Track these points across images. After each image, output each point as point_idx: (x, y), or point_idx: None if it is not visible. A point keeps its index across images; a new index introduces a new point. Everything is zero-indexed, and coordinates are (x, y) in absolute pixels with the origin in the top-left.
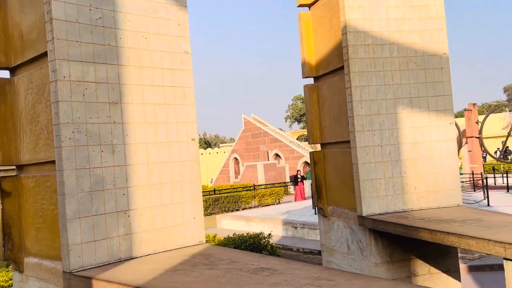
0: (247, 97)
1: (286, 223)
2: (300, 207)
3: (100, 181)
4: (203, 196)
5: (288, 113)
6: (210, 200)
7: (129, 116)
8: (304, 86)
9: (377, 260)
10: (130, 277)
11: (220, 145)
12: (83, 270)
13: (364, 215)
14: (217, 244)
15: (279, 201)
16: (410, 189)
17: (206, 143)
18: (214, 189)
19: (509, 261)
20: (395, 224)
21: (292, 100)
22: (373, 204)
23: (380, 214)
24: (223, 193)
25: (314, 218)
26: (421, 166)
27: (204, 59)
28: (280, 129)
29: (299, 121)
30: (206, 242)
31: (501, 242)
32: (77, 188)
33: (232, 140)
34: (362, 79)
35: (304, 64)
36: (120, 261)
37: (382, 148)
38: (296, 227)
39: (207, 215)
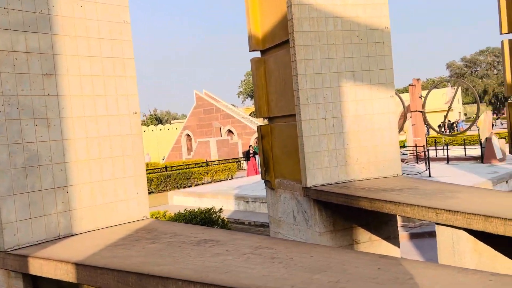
0: (199, 73)
1: (238, 197)
2: (252, 182)
3: (35, 157)
4: (154, 173)
5: (241, 89)
6: (161, 177)
7: (65, 89)
8: (251, 59)
9: (321, 229)
10: (69, 253)
11: (172, 121)
12: (19, 248)
13: (308, 186)
14: (168, 220)
15: (232, 177)
16: (353, 160)
17: (157, 120)
18: (165, 166)
19: (440, 226)
20: (338, 194)
21: (245, 75)
22: (317, 175)
23: (324, 185)
24: (175, 169)
25: (265, 192)
26: (363, 138)
27: (156, 33)
28: (233, 105)
29: (251, 97)
30: (154, 218)
31: (433, 208)
32: (9, 164)
33: (184, 116)
34: (306, 52)
35: (250, 37)
36: (60, 238)
37: (326, 121)
38: (248, 201)
39: (159, 192)
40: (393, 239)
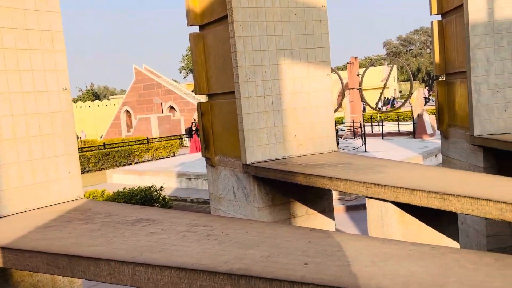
0: (138, 47)
1: (180, 175)
2: (195, 159)
3: None
4: (92, 151)
5: (183, 64)
6: (100, 155)
7: None
8: (189, 35)
9: (260, 204)
10: None
11: (110, 97)
12: None
13: (248, 163)
14: (106, 200)
15: (174, 154)
16: (291, 137)
17: (94, 95)
18: (104, 143)
19: (370, 199)
20: (275, 170)
21: (187, 50)
22: (256, 152)
23: (263, 161)
24: (114, 147)
25: None
26: (300, 115)
27: (94, 4)
28: (175, 81)
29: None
30: (90, 198)
31: (364, 183)
32: None
33: (123, 91)
34: (245, 29)
35: (188, 12)
36: None
37: (265, 99)
38: (190, 179)
39: (97, 171)
40: (328, 212)
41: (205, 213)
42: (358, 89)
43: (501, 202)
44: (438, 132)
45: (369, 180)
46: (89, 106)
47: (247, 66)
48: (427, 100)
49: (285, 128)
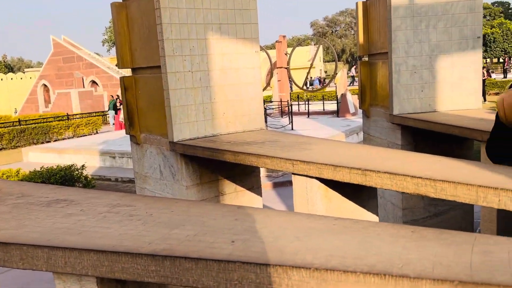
0: (58, 18)
1: (103, 153)
2: (120, 136)
3: None
4: (6, 127)
5: (106, 37)
6: (14, 132)
7: None
8: (111, 4)
9: (188, 183)
10: None
11: (25, 69)
12: None
13: (175, 140)
14: (22, 179)
15: (96, 131)
16: (219, 114)
17: (7, 67)
18: (19, 119)
19: (296, 176)
20: (203, 148)
21: (110, 22)
22: (184, 129)
23: (190, 139)
24: (31, 123)
25: None
26: (229, 92)
27: None
28: (97, 54)
29: None
30: (4, 178)
31: (290, 160)
32: None
33: (40, 64)
34: (171, 0)
35: None
36: None
37: (193, 74)
38: (114, 157)
39: (12, 148)
40: (256, 189)
41: (128, 193)
42: (286, 68)
43: (417, 177)
44: (360, 111)
45: (295, 157)
46: (1, 79)
47: (174, 39)
48: (353, 79)
49: (214, 105)
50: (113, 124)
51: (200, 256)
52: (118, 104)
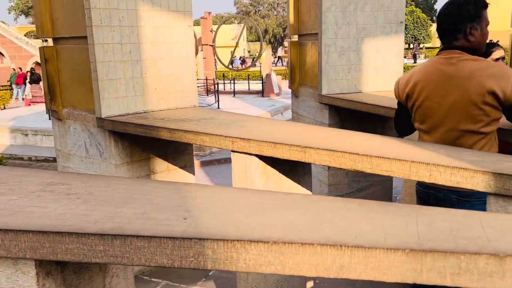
0: None
1: (14, 130)
2: (33, 112)
3: None
4: None
5: (12, 4)
6: None
7: None
8: None
9: (117, 161)
10: None
11: None
12: None
13: (103, 117)
14: None
15: (4, 107)
16: (151, 90)
17: None
18: None
19: (235, 153)
20: (136, 124)
21: None
22: (113, 105)
23: (120, 115)
24: None
25: (49, 124)
26: (161, 67)
27: None
28: (3, 23)
29: (26, 15)
30: None
31: (230, 137)
32: None
33: None
34: None
35: None
36: None
37: (123, 46)
38: (27, 134)
39: None
40: (189, 167)
41: (59, 171)
42: (211, 45)
43: (355, 153)
44: (283, 91)
45: (235, 135)
46: None
47: (102, 8)
48: (280, 59)
49: (145, 80)
50: (23, 99)
51: (154, 234)
52: (28, 78)
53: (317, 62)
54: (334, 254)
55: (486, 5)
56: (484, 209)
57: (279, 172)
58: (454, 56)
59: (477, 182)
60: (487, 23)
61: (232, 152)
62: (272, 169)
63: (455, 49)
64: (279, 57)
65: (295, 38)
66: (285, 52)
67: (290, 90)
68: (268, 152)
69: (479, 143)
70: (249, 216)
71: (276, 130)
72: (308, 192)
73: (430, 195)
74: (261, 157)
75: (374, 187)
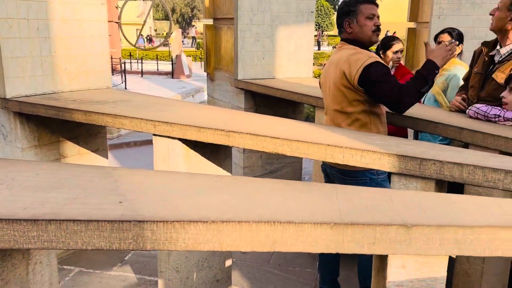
0: None
1: None
2: None
3: None
4: None
5: None
6: None
7: None
8: None
9: (24, 145)
10: None
11: None
12: None
13: (8, 97)
14: None
15: None
16: (60, 69)
17: None
18: None
19: (157, 137)
20: (47, 106)
21: None
22: (18, 85)
23: (27, 96)
24: None
25: None
26: (72, 46)
27: None
28: None
29: None
30: None
31: (152, 120)
32: None
33: None
34: None
35: None
36: None
37: (29, 22)
38: None
39: None
40: (102, 151)
41: None
42: (117, 22)
43: (276, 138)
44: (194, 73)
45: (157, 118)
46: None
47: None
48: (194, 40)
49: (54, 59)
50: None
51: (90, 218)
52: None
53: (233, 47)
54: (267, 230)
55: (362, 1)
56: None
57: (202, 155)
58: (338, 46)
59: (384, 163)
60: (367, 16)
61: (154, 136)
62: (194, 152)
63: (342, 40)
64: (194, 38)
65: (210, 21)
66: (196, 33)
67: (201, 72)
68: (192, 136)
69: (346, 121)
70: (185, 198)
71: (198, 114)
72: (229, 174)
73: (325, 170)
74: (184, 141)
75: (285, 168)
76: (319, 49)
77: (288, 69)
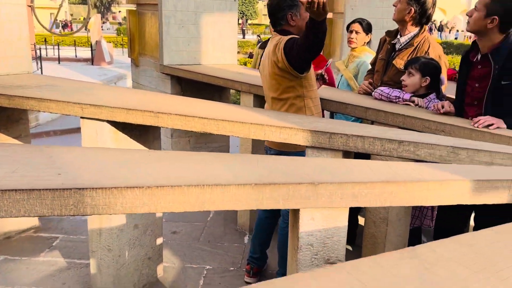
0: None
1: None
2: None
3: None
4: None
5: None
6: None
7: None
8: None
9: None
10: None
11: None
12: None
13: None
14: None
15: None
16: None
17: None
18: None
19: (85, 119)
20: None
21: None
22: None
23: None
24: None
25: None
26: None
27: None
28: None
29: None
30: None
31: (79, 103)
32: None
33: None
34: None
35: None
36: None
37: None
38: None
39: None
40: (24, 137)
41: None
42: (30, 6)
43: (203, 118)
44: (116, 60)
45: (84, 101)
46: None
47: None
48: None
49: None
50: None
51: (32, 187)
52: None
53: (158, 33)
54: (197, 192)
55: None
56: None
57: (130, 138)
58: (272, 37)
59: (299, 138)
60: (305, 9)
61: (81, 119)
62: (123, 135)
63: (277, 32)
64: (120, 23)
65: (133, 7)
66: (113, 18)
67: (122, 59)
68: (121, 117)
69: (283, 107)
70: (121, 168)
71: (126, 97)
72: None
73: (266, 151)
74: (113, 123)
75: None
76: (243, 37)
77: (214, 55)
